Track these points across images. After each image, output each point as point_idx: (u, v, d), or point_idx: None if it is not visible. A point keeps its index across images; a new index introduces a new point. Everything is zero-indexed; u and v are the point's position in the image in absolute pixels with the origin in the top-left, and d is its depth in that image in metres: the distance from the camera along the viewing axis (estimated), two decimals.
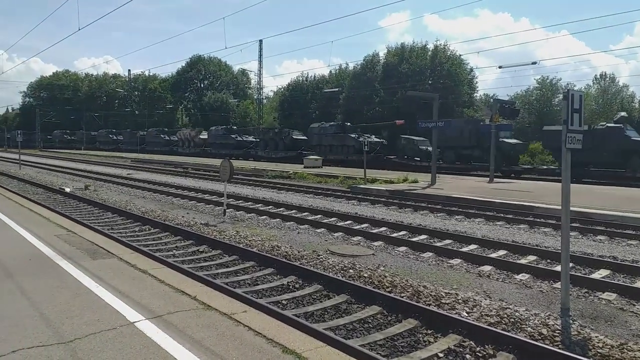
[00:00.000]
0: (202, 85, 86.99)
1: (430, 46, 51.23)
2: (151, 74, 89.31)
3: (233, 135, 49.23)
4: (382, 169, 30.88)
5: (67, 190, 17.68)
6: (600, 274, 7.53)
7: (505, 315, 5.48)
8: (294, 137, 42.68)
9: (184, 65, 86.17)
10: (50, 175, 26.92)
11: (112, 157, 49.41)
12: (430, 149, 27.00)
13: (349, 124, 41.09)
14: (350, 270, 7.35)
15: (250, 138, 50.09)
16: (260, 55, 66.25)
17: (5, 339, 3.65)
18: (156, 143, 60.34)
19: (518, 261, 8.20)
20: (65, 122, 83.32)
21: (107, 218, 12.40)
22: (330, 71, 66.13)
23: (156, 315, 4.20)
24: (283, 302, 6.12)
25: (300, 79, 66.83)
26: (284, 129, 45.85)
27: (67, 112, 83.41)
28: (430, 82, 48.12)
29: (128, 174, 27.51)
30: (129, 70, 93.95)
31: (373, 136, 38.27)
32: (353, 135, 37.46)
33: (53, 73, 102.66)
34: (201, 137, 53.94)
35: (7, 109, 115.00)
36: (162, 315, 4.22)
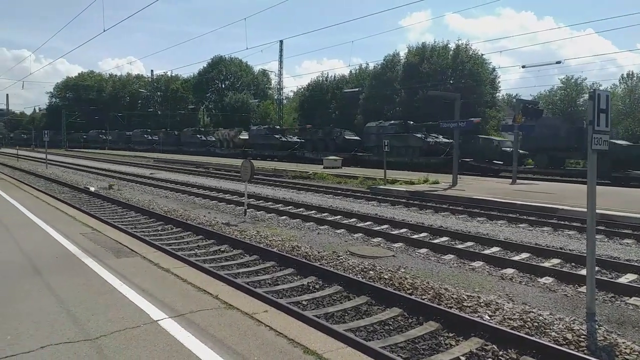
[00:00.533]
0: (223, 86, 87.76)
1: (452, 46, 50.70)
2: (173, 74, 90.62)
3: (277, 136, 45.75)
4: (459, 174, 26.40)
5: (92, 189, 18.03)
6: (627, 279, 7.37)
7: (529, 319, 5.40)
8: (346, 137, 40.02)
9: (205, 66, 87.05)
10: (75, 174, 27.49)
11: (136, 156, 50.20)
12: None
13: (411, 122, 37.05)
14: (371, 272, 7.33)
15: (295, 139, 46.52)
16: (281, 56, 66.59)
17: (34, 335, 3.75)
18: (192, 143, 57.90)
19: (541, 264, 8.06)
20: (90, 122, 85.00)
21: (131, 217, 12.61)
22: (350, 71, 66.03)
23: (179, 314, 4.26)
24: (303, 302, 6.14)
25: (320, 79, 66.85)
26: (334, 128, 42.44)
27: (91, 112, 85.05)
28: (451, 81, 47.58)
29: (151, 173, 27.92)
30: (152, 71, 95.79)
31: (441, 136, 34.13)
32: (419, 135, 33.57)
33: (78, 74, 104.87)
34: (241, 137, 51.01)
35: (35, 109, 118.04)
36: (185, 313, 4.28)
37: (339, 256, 8.30)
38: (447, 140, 32.58)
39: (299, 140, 45.74)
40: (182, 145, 60.38)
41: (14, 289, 4.92)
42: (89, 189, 18.13)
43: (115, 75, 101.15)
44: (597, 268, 7.17)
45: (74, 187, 19.41)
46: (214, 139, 55.52)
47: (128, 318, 4.15)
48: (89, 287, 5.04)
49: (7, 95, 61.75)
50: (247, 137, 49.90)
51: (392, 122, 37.74)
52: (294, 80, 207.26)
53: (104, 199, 15.80)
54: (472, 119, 32.25)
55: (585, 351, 4.72)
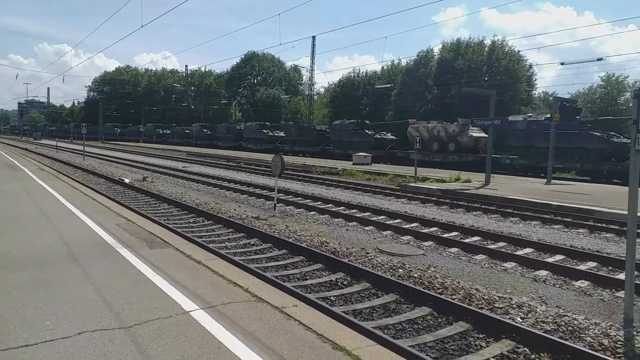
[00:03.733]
0: (255, 81, 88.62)
1: (488, 42, 49.73)
2: (207, 69, 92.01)
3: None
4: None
5: (127, 181, 18.50)
6: None
7: (563, 323, 5.26)
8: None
9: (238, 61, 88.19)
10: (110, 166, 28.25)
11: (169, 150, 51.19)
12: None
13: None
14: (400, 270, 7.27)
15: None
16: (313, 52, 66.73)
17: (72, 321, 3.88)
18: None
19: (577, 267, 7.84)
20: (125, 116, 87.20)
21: (164, 209, 12.88)
22: (382, 67, 65.60)
23: (210, 306, 4.33)
24: (332, 298, 6.15)
25: (352, 74, 66.70)
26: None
27: (127, 106, 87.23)
28: (486, 78, 46.76)
29: (183, 166, 28.44)
30: (186, 66, 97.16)
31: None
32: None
33: (115, 68, 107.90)
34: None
35: (74, 102, 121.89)
36: (216, 305, 4.34)
37: (367, 253, 8.27)
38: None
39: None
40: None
41: (54, 275, 5.10)
42: (123, 180, 18.61)
43: (151, 70, 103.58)
44: (636, 273, 6.93)
45: (109, 178, 19.96)
46: (414, 134, 35.82)
47: (161, 308, 4.24)
48: (123, 276, 5.17)
49: (48, 88, 64.05)
50: (481, 135, 31.89)
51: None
52: (324, 76, 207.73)
53: (138, 190, 16.18)
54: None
55: (623, 358, 4.58)
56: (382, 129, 43.34)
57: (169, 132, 74.83)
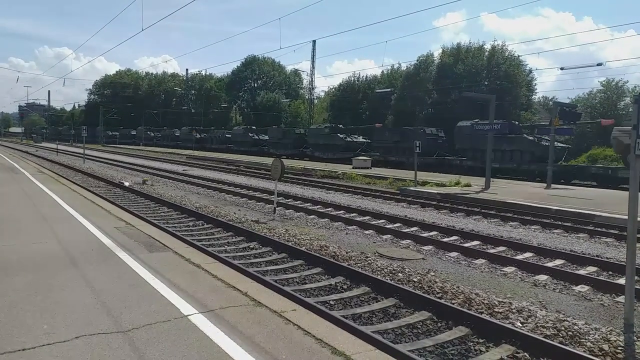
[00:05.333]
0: (255, 85, 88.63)
1: (487, 46, 49.75)
2: (207, 73, 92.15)
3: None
4: None
5: (126, 184, 18.49)
6: None
7: (563, 328, 5.24)
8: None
9: (239, 65, 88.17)
10: (111, 169, 28.25)
11: (169, 153, 51.21)
12: None
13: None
14: (399, 274, 7.25)
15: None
16: (313, 56, 66.85)
17: (70, 325, 3.86)
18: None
19: (577, 272, 7.82)
20: (126, 119, 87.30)
21: (163, 212, 12.86)
22: (382, 71, 65.65)
23: (209, 310, 4.31)
24: (331, 302, 6.12)
25: (352, 79, 66.69)
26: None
27: (128, 109, 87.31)
28: (486, 83, 46.70)
29: (183, 170, 28.43)
30: (187, 69, 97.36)
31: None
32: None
33: (116, 71, 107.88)
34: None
35: (74, 105, 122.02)
36: (215, 309, 4.33)
37: (367, 257, 8.26)
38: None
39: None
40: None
41: (52, 279, 5.08)
42: (123, 183, 18.60)
43: (151, 74, 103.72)
44: (636, 277, 6.92)
45: (109, 181, 19.95)
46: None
47: (160, 312, 4.22)
48: (122, 279, 5.16)
49: (49, 91, 63.74)
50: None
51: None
52: (324, 80, 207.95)
53: (138, 193, 16.17)
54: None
55: None
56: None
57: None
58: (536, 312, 5.75)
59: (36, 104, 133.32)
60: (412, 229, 11.36)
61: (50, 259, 5.91)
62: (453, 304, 5.93)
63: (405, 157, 34.24)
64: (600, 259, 8.67)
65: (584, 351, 4.74)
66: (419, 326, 5.41)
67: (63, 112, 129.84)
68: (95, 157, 39.48)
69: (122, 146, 70.53)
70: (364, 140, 42.65)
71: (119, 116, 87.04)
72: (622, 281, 7.36)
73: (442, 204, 15.59)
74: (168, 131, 75.56)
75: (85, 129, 36.73)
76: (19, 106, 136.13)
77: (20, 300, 4.42)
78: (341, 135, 42.22)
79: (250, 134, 54.93)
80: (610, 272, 7.97)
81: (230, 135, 59.40)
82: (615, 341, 4.97)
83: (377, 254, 8.72)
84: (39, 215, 9.09)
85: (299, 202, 15.61)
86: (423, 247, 9.43)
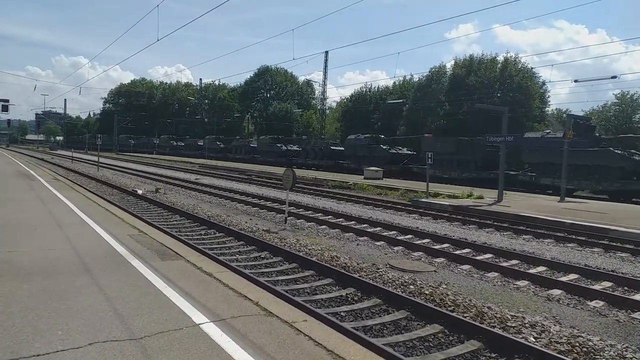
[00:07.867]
0: (268, 95, 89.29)
1: (500, 58, 49.64)
2: (221, 83, 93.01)
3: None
4: None
5: (140, 192, 18.66)
6: None
7: (577, 344, 5.17)
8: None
9: (252, 75, 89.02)
10: (124, 177, 28.53)
11: (181, 161, 51.59)
12: None
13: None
14: (411, 286, 7.21)
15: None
16: (326, 66, 67.27)
17: (83, 332, 3.90)
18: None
19: (591, 287, 7.71)
20: (140, 128, 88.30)
21: (176, 220, 12.95)
22: (394, 82, 65.75)
23: (220, 319, 4.32)
24: (342, 313, 6.11)
25: (364, 89, 66.90)
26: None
27: (142, 118, 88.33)
28: (499, 95, 46.56)
29: (196, 178, 28.62)
30: (200, 79, 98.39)
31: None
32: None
33: (131, 81, 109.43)
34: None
35: (90, 114, 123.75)
36: (226, 318, 4.34)
37: (378, 268, 8.22)
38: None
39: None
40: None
41: (66, 285, 5.14)
42: (136, 191, 18.77)
43: (165, 83, 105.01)
44: None
45: (122, 189, 20.14)
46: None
47: (171, 320, 4.24)
48: (135, 287, 5.19)
49: (65, 100, 64.58)
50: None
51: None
52: (336, 91, 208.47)
53: (151, 202, 16.30)
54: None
55: None
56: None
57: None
58: (550, 327, 5.68)
59: (52, 112, 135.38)
60: (423, 240, 11.29)
61: (64, 265, 5.98)
62: (465, 317, 5.88)
63: (465, 171, 31.29)
64: (615, 274, 8.54)
65: None
66: (431, 339, 5.36)
67: (79, 120, 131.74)
68: (109, 165, 39.91)
69: (136, 154, 71.26)
70: (409, 152, 39.64)
71: (133, 124, 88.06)
72: (638, 297, 7.25)
73: (454, 216, 15.49)
74: (191, 140, 75.52)
75: (100, 137, 37.18)
76: (36, 114, 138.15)
77: (34, 306, 4.47)
78: (384, 147, 39.61)
79: (278, 144, 52.92)
80: (626, 288, 7.84)
81: (255, 145, 57.87)
82: (631, 358, 4.88)
83: (388, 266, 8.68)
84: (54, 222, 9.20)
85: (310, 212, 15.62)
86: (435, 260, 9.36)
